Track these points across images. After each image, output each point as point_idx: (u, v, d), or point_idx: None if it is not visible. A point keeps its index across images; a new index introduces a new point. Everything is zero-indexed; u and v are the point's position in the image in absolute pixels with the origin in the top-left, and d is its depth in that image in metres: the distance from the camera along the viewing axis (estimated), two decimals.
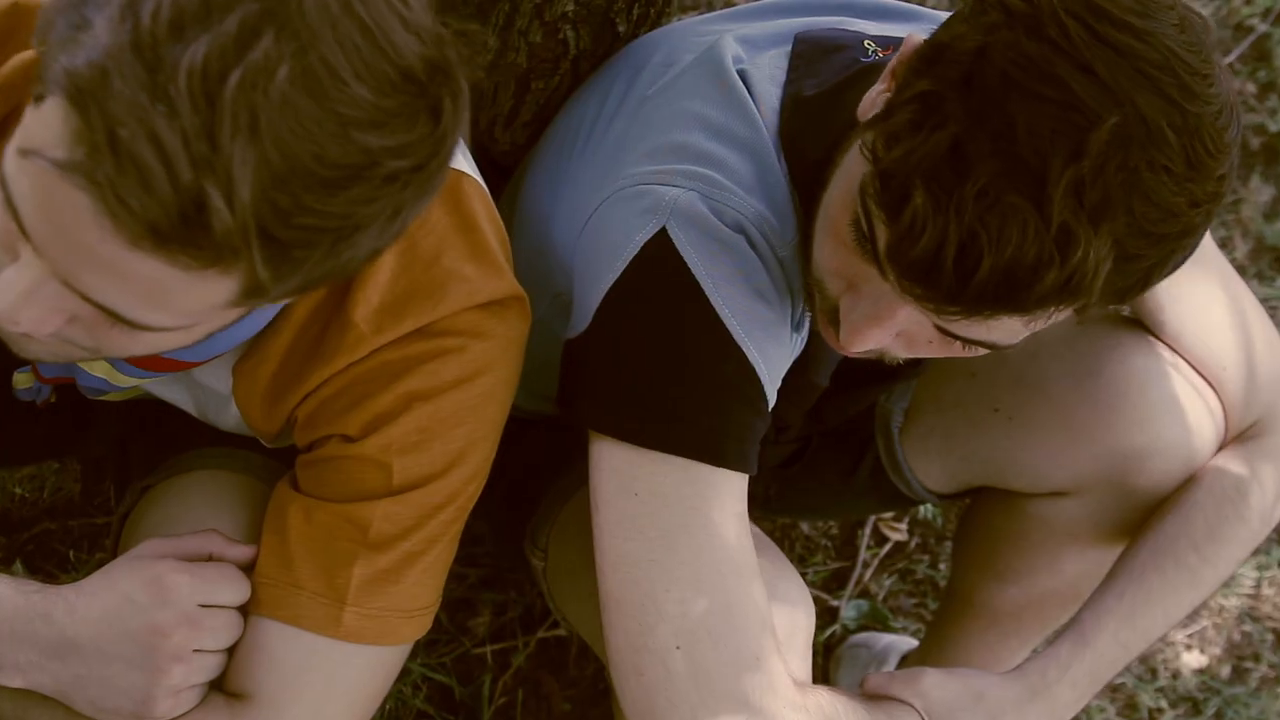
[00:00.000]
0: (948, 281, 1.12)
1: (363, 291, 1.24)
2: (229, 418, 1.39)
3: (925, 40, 1.20)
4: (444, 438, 1.27)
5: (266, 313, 1.24)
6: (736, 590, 1.30)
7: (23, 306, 1.02)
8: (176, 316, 1.02)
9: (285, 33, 0.91)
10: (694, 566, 1.29)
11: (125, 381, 1.33)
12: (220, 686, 1.28)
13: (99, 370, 1.31)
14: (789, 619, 1.39)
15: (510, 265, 1.32)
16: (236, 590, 1.26)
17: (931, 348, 1.29)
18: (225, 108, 0.89)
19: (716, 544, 1.30)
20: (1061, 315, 1.17)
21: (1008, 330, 1.20)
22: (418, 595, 1.30)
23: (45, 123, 0.93)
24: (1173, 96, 1.09)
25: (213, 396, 1.38)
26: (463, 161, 1.33)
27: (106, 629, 1.20)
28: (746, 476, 1.34)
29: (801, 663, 1.40)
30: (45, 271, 1.00)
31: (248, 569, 1.28)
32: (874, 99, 1.26)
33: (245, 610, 1.27)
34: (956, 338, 1.23)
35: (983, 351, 1.27)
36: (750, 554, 1.33)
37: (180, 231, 0.92)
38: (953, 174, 1.09)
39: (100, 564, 1.98)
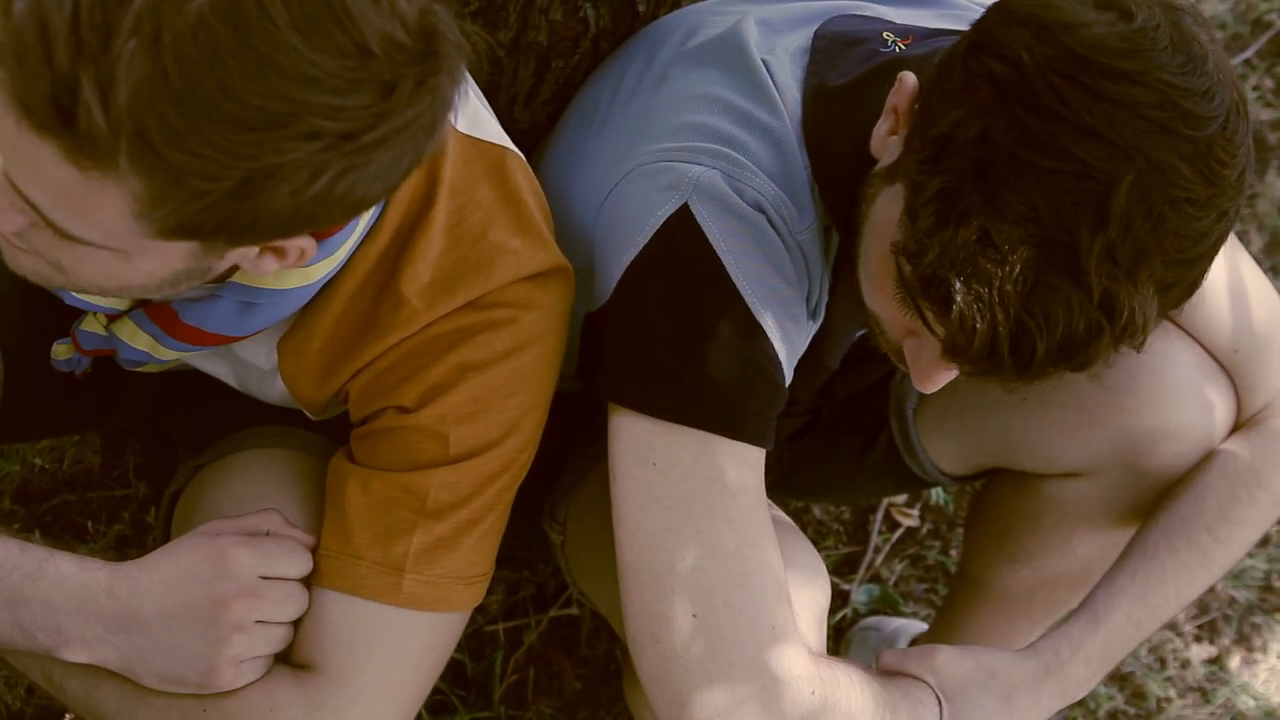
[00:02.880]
0: (1008, 367, 1.17)
1: (412, 267, 1.26)
2: (273, 391, 1.40)
3: (922, 138, 1.20)
4: (498, 407, 1.29)
5: (308, 289, 1.26)
6: (753, 560, 1.31)
7: None
8: (96, 229, 1.02)
9: None
10: (711, 536, 1.30)
11: (167, 354, 1.34)
12: (287, 659, 1.30)
13: (141, 344, 1.32)
14: (805, 591, 1.40)
15: (554, 237, 1.34)
16: (298, 562, 1.28)
17: None
18: (131, 11, 0.89)
19: (733, 514, 1.31)
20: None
21: None
22: (475, 562, 1.32)
23: None
24: (1179, 131, 1.10)
25: (255, 371, 1.39)
26: (505, 137, 1.35)
27: (170, 601, 1.22)
28: (764, 451, 1.35)
29: (817, 634, 1.41)
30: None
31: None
32: (883, 138, 1.29)
33: (309, 584, 1.29)
34: None
35: None
36: (767, 525, 1.34)
37: (52, 116, 0.92)
38: (989, 264, 1.12)
39: (119, 536, 2.03)
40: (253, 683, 1.26)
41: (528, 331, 1.30)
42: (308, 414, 1.40)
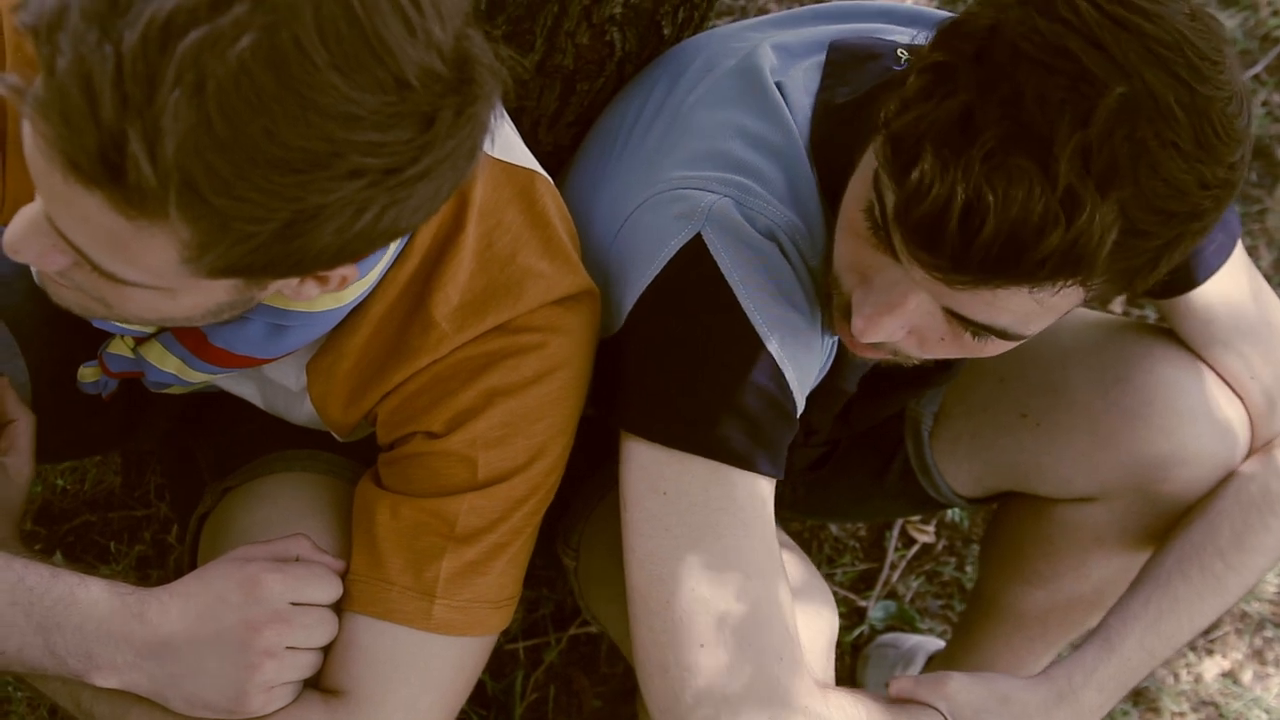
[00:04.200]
0: (952, 242, 1.12)
1: (442, 291, 1.26)
2: (301, 413, 1.41)
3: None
4: (526, 432, 1.29)
5: (338, 311, 1.26)
6: (761, 591, 1.31)
7: (23, 238, 1.04)
8: (142, 272, 1.02)
9: (262, 6, 0.90)
10: (720, 566, 1.31)
11: (195, 377, 1.35)
12: (317, 685, 1.30)
13: (170, 366, 1.33)
14: (813, 622, 1.41)
15: (581, 260, 1.34)
16: (328, 588, 1.29)
17: (943, 345, 1.30)
18: (173, 61, 0.88)
19: (742, 545, 1.32)
20: (1069, 294, 1.17)
21: (1015, 310, 1.20)
22: (504, 586, 1.33)
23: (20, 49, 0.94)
24: (1181, 75, 1.10)
25: (283, 392, 1.40)
26: (533, 160, 1.35)
27: (200, 627, 1.22)
28: (774, 480, 1.36)
29: (825, 666, 1.42)
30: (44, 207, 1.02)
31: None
32: None
33: (339, 609, 1.30)
34: (966, 321, 1.23)
35: (995, 344, 1.27)
36: (776, 556, 1.34)
37: (100, 171, 0.92)
38: (961, 138, 1.10)
39: (140, 556, 2.04)
40: (282, 708, 1.27)
41: (555, 356, 1.30)
42: (335, 436, 1.41)
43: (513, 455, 1.30)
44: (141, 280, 1.03)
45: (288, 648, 1.25)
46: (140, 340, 1.35)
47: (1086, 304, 1.22)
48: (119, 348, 1.37)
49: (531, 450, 1.31)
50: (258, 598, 1.24)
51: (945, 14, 1.58)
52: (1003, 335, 1.25)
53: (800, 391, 1.38)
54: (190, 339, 1.30)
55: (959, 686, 1.46)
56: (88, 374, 1.42)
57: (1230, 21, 2.88)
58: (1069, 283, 1.14)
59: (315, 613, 1.27)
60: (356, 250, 1.03)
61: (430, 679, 1.31)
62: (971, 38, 1.13)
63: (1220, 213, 1.17)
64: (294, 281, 1.10)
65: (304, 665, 1.27)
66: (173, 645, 1.22)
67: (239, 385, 1.45)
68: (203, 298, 1.09)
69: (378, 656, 1.29)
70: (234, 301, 1.12)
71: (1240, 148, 1.14)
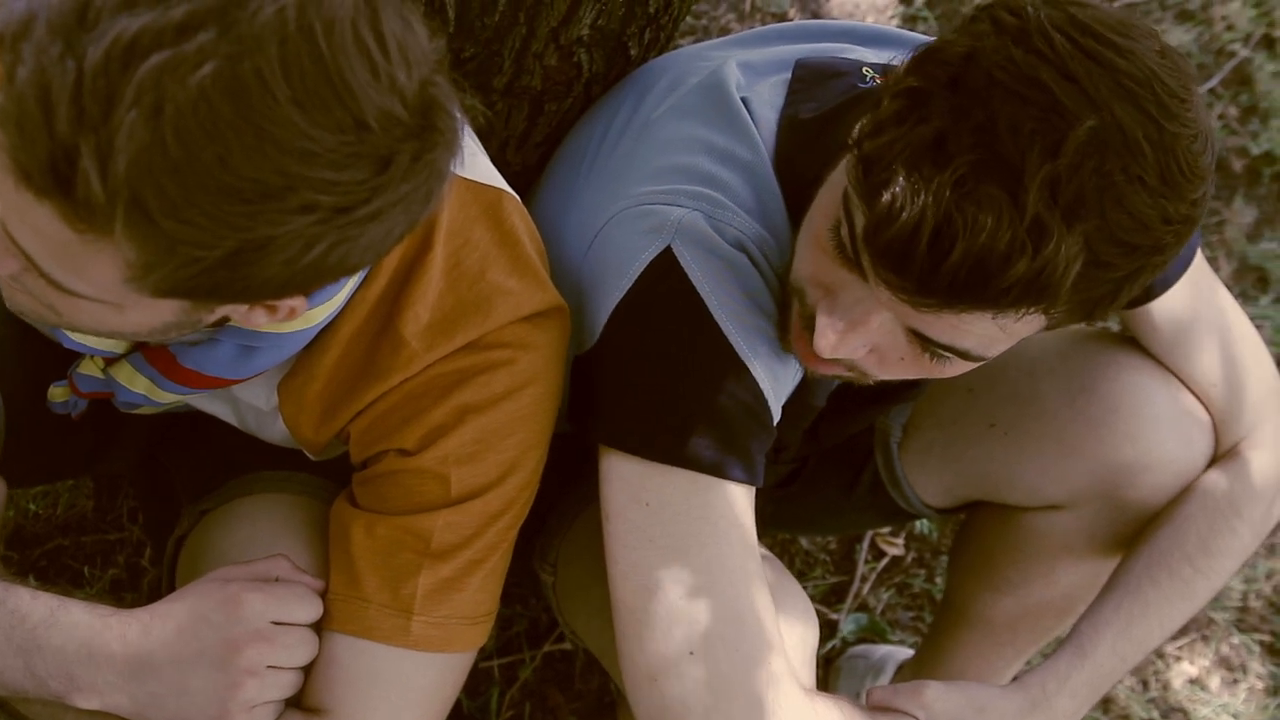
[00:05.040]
0: (920, 265, 1.13)
1: (411, 309, 1.27)
2: (274, 431, 1.41)
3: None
4: (498, 448, 1.30)
5: (307, 332, 1.27)
6: (746, 598, 1.32)
7: None
8: (88, 285, 1.02)
9: (228, 36, 0.90)
10: (705, 575, 1.32)
11: (165, 397, 1.35)
12: (299, 704, 1.31)
13: (139, 387, 1.33)
14: (795, 629, 1.42)
15: (551, 278, 1.35)
16: (309, 608, 1.29)
17: (903, 365, 1.31)
18: (134, 81, 0.89)
19: (725, 553, 1.33)
20: (1031, 321, 1.19)
21: (979, 334, 1.21)
22: (481, 601, 1.33)
23: None
24: (1150, 112, 1.12)
25: (254, 412, 1.40)
26: (500, 179, 1.36)
27: (182, 647, 1.22)
28: (753, 489, 1.37)
29: (807, 672, 1.42)
30: None
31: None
32: None
33: (318, 629, 1.30)
34: (928, 342, 1.25)
35: (954, 366, 1.29)
36: (758, 563, 1.35)
37: (50, 182, 0.92)
38: (933, 163, 1.12)
39: (114, 580, 2.04)
40: None
41: (526, 372, 1.31)
42: (308, 454, 1.42)
43: (485, 471, 1.30)
44: (87, 293, 1.04)
45: (269, 666, 1.25)
46: (110, 361, 1.35)
47: (1045, 329, 1.25)
48: (89, 368, 1.37)
49: (504, 465, 1.31)
50: (239, 617, 1.24)
51: (907, 33, 1.60)
52: (965, 357, 1.26)
53: (776, 400, 1.39)
54: (160, 360, 1.31)
55: (936, 695, 1.47)
56: (57, 393, 1.42)
57: (1185, 36, 2.92)
58: (1032, 310, 1.16)
59: (297, 632, 1.27)
60: (305, 283, 1.04)
61: (410, 696, 1.31)
62: (947, 64, 1.15)
63: (1180, 247, 1.18)
64: (242, 308, 1.11)
65: (286, 684, 1.28)
66: (154, 665, 1.22)
67: (211, 404, 1.45)
68: (149, 315, 1.09)
69: (357, 674, 1.30)
70: (180, 322, 1.12)
71: (1203, 185, 1.16)
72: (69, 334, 1.31)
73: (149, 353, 1.31)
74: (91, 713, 1.25)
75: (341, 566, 1.32)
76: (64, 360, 1.39)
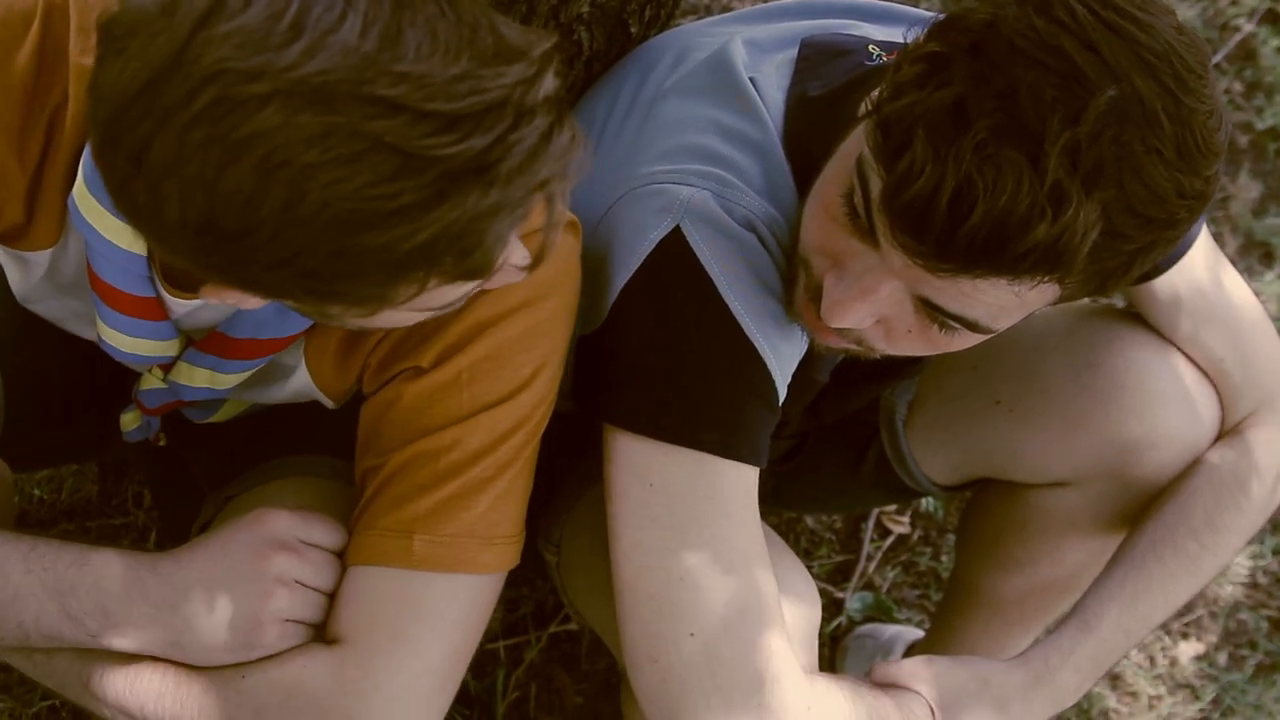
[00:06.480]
0: (939, 227, 1.13)
1: None
2: (284, 390, 1.41)
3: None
4: (512, 363, 1.29)
5: None
6: (748, 579, 1.32)
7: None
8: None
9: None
10: (707, 555, 1.32)
11: (228, 381, 1.36)
12: (321, 639, 1.31)
13: (200, 380, 1.34)
14: (796, 609, 1.42)
15: None
16: (331, 532, 1.30)
17: (909, 338, 1.30)
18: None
19: (729, 534, 1.33)
20: (1045, 291, 1.18)
21: (989, 303, 1.21)
22: (496, 522, 1.31)
23: None
24: (1169, 85, 1.12)
25: (270, 371, 1.40)
26: None
27: (213, 566, 1.24)
28: (757, 469, 1.37)
29: (808, 653, 1.42)
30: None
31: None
32: None
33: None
34: (937, 311, 1.24)
35: (961, 339, 1.28)
36: (761, 544, 1.35)
37: None
38: (953, 127, 1.11)
39: None
40: (290, 651, 1.27)
41: (540, 284, 1.29)
42: (328, 403, 1.41)
43: (498, 386, 1.29)
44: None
45: (297, 581, 1.26)
46: (166, 367, 1.36)
47: (1054, 303, 1.24)
48: (150, 382, 1.38)
49: (518, 380, 1.30)
50: (265, 533, 1.26)
51: (912, 10, 1.60)
52: (973, 328, 1.26)
53: (782, 380, 1.39)
54: (213, 344, 1.32)
55: (940, 670, 1.47)
56: (129, 420, 1.42)
57: (1190, 11, 2.92)
58: (1048, 278, 1.16)
59: (321, 553, 1.29)
60: None
61: (420, 617, 1.29)
62: (969, 31, 1.15)
63: (1193, 223, 1.19)
64: None
65: (312, 604, 1.28)
66: (186, 588, 1.23)
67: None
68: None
69: (366, 599, 1.29)
70: None
71: (1217, 161, 1.16)
72: (115, 346, 1.31)
73: (200, 344, 1.32)
74: (121, 666, 1.26)
75: (358, 508, 1.32)
76: (66, 349, 1.39)
